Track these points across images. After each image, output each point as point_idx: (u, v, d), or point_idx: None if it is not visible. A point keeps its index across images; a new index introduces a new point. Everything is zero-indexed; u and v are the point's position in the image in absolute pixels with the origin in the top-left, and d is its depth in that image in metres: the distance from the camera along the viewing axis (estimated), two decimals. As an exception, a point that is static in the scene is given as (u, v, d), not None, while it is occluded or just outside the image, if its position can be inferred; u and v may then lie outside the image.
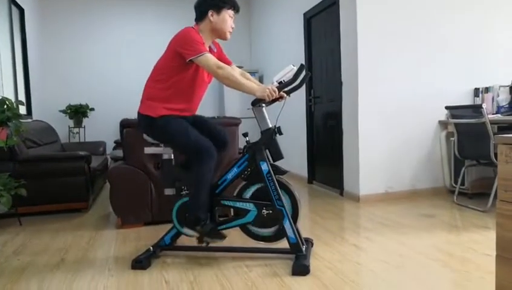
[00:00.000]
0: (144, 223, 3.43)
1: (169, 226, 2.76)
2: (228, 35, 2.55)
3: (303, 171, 5.62)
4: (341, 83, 4.49)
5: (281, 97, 2.49)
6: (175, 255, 2.66)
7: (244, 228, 2.59)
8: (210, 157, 2.41)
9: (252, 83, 2.43)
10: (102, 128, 7.04)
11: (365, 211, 3.84)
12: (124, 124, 3.37)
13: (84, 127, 6.86)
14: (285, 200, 2.49)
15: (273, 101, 2.47)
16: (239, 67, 2.94)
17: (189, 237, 2.62)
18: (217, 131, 2.65)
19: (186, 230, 2.52)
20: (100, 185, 5.07)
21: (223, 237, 2.49)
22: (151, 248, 2.62)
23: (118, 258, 2.67)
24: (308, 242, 2.69)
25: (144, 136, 2.60)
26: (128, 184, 3.34)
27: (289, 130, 5.86)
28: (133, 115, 3.23)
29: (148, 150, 2.67)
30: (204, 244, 2.52)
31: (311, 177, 5.44)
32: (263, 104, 2.49)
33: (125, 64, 7.16)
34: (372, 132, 4.24)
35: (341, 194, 4.56)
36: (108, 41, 7.11)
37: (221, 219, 2.60)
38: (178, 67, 2.42)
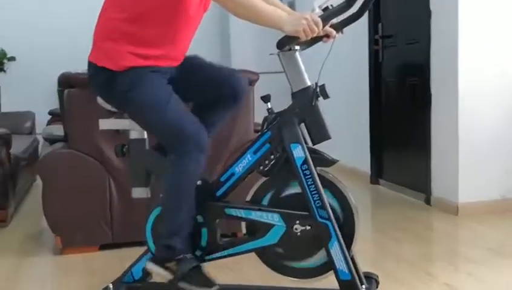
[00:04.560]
0: (99, 246, 2.83)
1: (138, 250, 2.17)
2: None
3: (363, 164, 4.58)
4: (429, 13, 3.54)
5: (327, 35, 1.88)
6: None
7: (264, 255, 1.95)
8: (199, 149, 1.89)
9: (278, 10, 1.87)
10: (29, 90, 5.56)
11: (467, 229, 3.16)
12: (66, 82, 2.77)
13: None
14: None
15: (314, 40, 1.87)
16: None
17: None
18: (224, 76, 2.13)
19: (149, 265, 1.94)
20: (27, 184, 4.20)
21: (212, 284, 1.90)
22: (111, 286, 2.05)
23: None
24: (372, 279, 2.09)
25: (99, 99, 2.07)
26: (73, 182, 2.74)
27: (338, 95, 4.49)
28: (77, 66, 2.62)
29: (106, 123, 2.13)
30: None
31: (377, 174, 4.41)
32: (297, 47, 1.88)
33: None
34: (482, 100, 3.27)
35: (427, 201, 3.65)
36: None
37: (225, 239, 2.07)
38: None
